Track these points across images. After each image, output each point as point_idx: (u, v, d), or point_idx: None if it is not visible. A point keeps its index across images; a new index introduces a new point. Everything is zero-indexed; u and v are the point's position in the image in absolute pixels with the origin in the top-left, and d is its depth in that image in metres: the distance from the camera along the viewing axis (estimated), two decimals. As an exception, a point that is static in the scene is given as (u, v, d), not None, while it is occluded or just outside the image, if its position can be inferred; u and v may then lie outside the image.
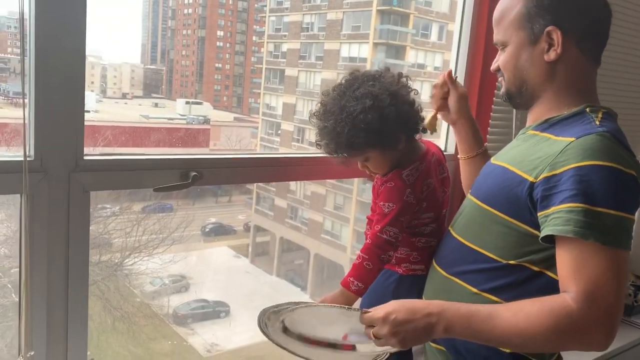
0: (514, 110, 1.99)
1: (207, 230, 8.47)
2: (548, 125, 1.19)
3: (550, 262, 1.10)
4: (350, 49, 10.97)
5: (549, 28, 1.15)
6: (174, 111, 10.71)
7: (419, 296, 1.38)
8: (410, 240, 1.44)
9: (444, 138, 1.97)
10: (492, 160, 1.30)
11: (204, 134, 9.07)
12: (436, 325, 1.07)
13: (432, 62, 11.48)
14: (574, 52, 1.17)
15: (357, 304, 1.39)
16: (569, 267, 1.03)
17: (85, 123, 1.21)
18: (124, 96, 11.66)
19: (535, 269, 1.15)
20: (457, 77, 1.53)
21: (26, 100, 1.12)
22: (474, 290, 1.21)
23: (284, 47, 11.86)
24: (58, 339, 1.25)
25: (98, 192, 1.26)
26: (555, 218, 1.04)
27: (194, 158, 1.40)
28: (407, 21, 11.36)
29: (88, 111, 1.24)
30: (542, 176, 1.08)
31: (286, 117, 10.91)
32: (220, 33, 16.24)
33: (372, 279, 1.34)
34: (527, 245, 1.14)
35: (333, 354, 1.24)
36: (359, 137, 1.31)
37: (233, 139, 9.78)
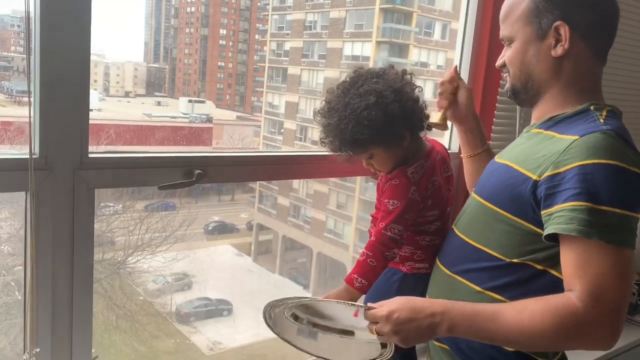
0: (518, 108, 1.99)
1: (210, 228, 8.47)
2: (552, 123, 1.19)
3: (554, 261, 1.10)
4: (353, 48, 10.95)
5: (557, 23, 1.15)
6: (177, 109, 10.73)
7: (423, 295, 1.38)
8: (414, 239, 1.44)
9: (447, 136, 1.97)
10: (496, 158, 1.30)
11: (206, 133, 9.08)
12: (439, 324, 1.08)
13: (435, 61, 11.45)
14: (581, 48, 1.16)
15: (360, 301, 1.39)
16: (573, 266, 1.03)
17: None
18: (126, 94, 11.68)
19: (539, 267, 1.15)
20: (459, 73, 1.53)
21: (31, 99, 1.12)
22: (478, 288, 1.21)
23: (287, 46, 11.86)
24: (63, 336, 1.26)
25: (101, 190, 1.27)
26: (559, 216, 1.03)
27: (198, 156, 1.40)
28: (410, 19, 11.34)
29: (91, 109, 1.24)
30: (545, 174, 1.08)
31: (289, 116, 10.90)
32: (223, 31, 16.23)
33: (375, 276, 1.34)
34: (530, 243, 1.14)
35: (338, 343, 1.25)
36: (363, 133, 1.31)
37: (235, 137, 9.79)
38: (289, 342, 1.25)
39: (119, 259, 5.41)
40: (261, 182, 8.67)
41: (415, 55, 11.22)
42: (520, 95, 1.26)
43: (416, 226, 1.42)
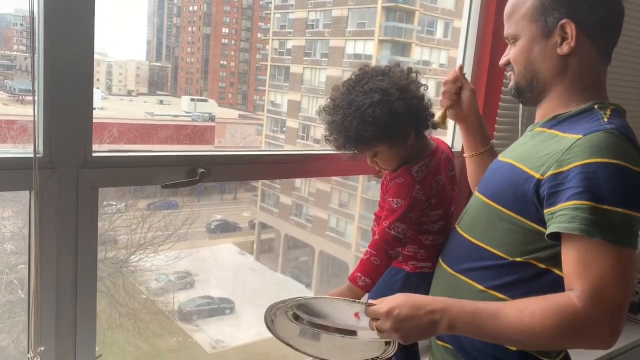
0: (520, 108, 1.99)
1: (212, 227, 8.49)
2: (556, 122, 1.19)
3: (556, 260, 1.10)
4: (355, 46, 10.96)
5: (563, 21, 1.15)
6: (179, 108, 10.74)
7: (426, 294, 1.38)
8: (417, 238, 1.44)
9: (450, 135, 1.97)
10: (500, 157, 1.30)
11: (208, 131, 9.09)
12: (440, 321, 1.08)
13: (437, 59, 11.45)
14: (586, 46, 1.16)
15: (363, 299, 1.39)
16: (575, 265, 1.03)
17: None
18: (129, 93, 11.69)
19: (542, 266, 1.14)
20: (465, 73, 1.52)
21: (35, 97, 1.12)
22: (480, 287, 1.21)
23: (289, 44, 11.87)
24: (67, 334, 1.26)
25: (103, 189, 1.27)
26: (561, 215, 1.03)
27: (201, 155, 1.40)
28: (413, 18, 11.34)
29: (94, 108, 1.25)
30: (548, 173, 1.07)
31: (291, 114, 10.92)
32: (225, 30, 16.25)
33: (379, 274, 1.34)
34: (533, 242, 1.14)
35: (340, 343, 1.25)
36: (367, 131, 1.30)
37: (238, 136, 9.81)
38: (291, 346, 1.25)
39: (122, 258, 5.43)
40: (264, 180, 8.69)
41: (418, 53, 11.22)
42: (525, 93, 1.26)
43: (419, 225, 1.42)
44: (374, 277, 1.33)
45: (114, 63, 11.53)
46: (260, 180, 8.74)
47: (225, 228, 8.92)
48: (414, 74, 1.39)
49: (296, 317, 1.25)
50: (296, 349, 1.24)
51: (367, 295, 1.38)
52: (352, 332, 1.25)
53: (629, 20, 1.25)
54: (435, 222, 1.44)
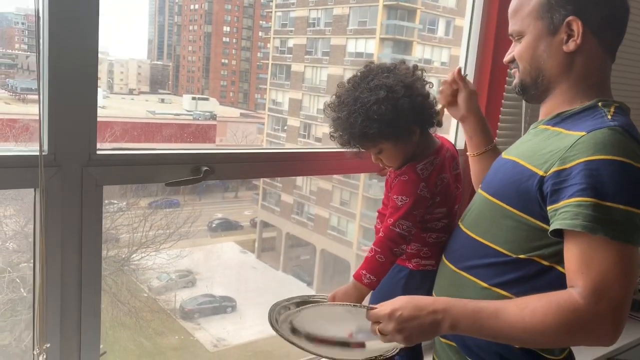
0: (524, 105, 1.99)
1: (213, 225, 8.50)
2: (559, 120, 1.19)
3: (560, 257, 1.10)
4: (356, 45, 10.95)
5: (570, 18, 1.15)
6: (181, 107, 10.74)
7: (429, 292, 1.38)
8: (421, 236, 1.44)
9: (453, 134, 1.97)
10: (503, 154, 1.30)
11: (210, 130, 9.09)
12: (442, 322, 1.08)
13: (438, 58, 11.44)
14: (592, 44, 1.16)
15: (367, 298, 1.39)
16: (577, 262, 1.03)
17: (95, 119, 1.22)
18: (130, 92, 11.68)
19: (545, 263, 1.14)
20: (467, 75, 1.53)
21: (40, 96, 1.13)
22: (484, 284, 1.21)
23: (290, 43, 11.86)
24: (72, 332, 1.27)
25: (105, 187, 1.27)
26: (564, 212, 1.03)
27: (206, 153, 1.40)
28: (414, 16, 11.32)
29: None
30: (552, 170, 1.07)
31: (292, 113, 10.92)
32: (226, 29, 16.24)
33: (384, 272, 1.35)
34: (537, 239, 1.14)
35: (341, 349, 1.25)
36: (372, 128, 1.30)
37: (239, 134, 9.82)
38: (295, 345, 1.25)
39: (124, 256, 5.44)
40: (265, 179, 8.69)
41: (419, 52, 11.21)
42: (530, 90, 1.26)
43: (423, 223, 1.42)
44: (379, 274, 1.33)
45: (115, 62, 11.53)
46: (261, 179, 8.75)
47: (227, 226, 8.93)
48: (419, 72, 1.39)
49: (294, 331, 1.25)
50: (300, 347, 1.24)
51: (368, 296, 1.38)
52: (348, 345, 1.25)
53: (633, 18, 1.25)
54: (439, 220, 1.44)
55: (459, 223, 1.34)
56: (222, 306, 7.18)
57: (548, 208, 1.08)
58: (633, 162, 1.03)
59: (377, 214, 1.51)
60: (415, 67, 1.40)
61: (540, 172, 1.10)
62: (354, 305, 1.22)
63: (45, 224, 1.16)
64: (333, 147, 1.45)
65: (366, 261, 1.34)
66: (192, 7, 17.14)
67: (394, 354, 1.22)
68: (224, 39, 16.12)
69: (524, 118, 2.00)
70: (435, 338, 1.36)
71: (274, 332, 1.25)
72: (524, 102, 1.95)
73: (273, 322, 1.25)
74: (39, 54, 1.11)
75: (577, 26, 1.14)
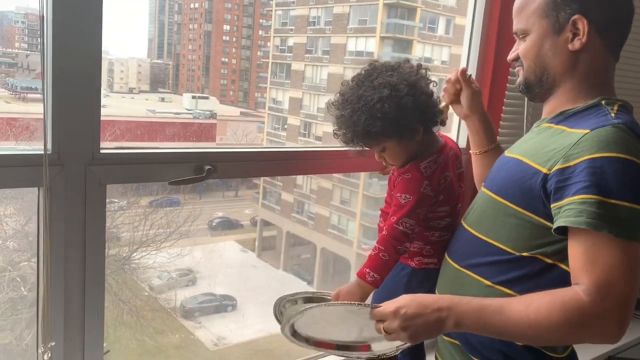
0: (526, 104, 1.99)
1: (214, 224, 8.49)
2: (563, 118, 1.19)
3: (563, 255, 1.10)
4: (357, 43, 10.92)
5: (575, 17, 1.15)
6: (181, 106, 10.73)
7: (432, 290, 1.38)
8: (424, 234, 1.44)
9: (455, 132, 1.97)
10: (506, 152, 1.30)
11: (210, 129, 9.08)
12: (446, 319, 1.08)
13: (439, 56, 11.42)
14: (597, 43, 1.17)
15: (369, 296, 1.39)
16: (581, 259, 1.03)
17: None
18: (130, 91, 11.66)
19: (549, 261, 1.15)
20: (471, 75, 1.53)
21: (44, 96, 1.13)
22: (487, 282, 1.21)
23: (290, 42, 11.83)
24: (75, 330, 1.27)
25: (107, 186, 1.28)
26: (568, 209, 1.04)
27: (208, 152, 1.41)
28: (414, 15, 11.31)
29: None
30: (555, 168, 1.08)
31: (292, 112, 10.90)
32: (226, 27, 16.21)
33: (388, 270, 1.35)
34: (540, 237, 1.14)
35: (342, 350, 1.25)
36: (376, 126, 1.31)
37: (239, 133, 9.80)
38: (297, 344, 1.24)
39: (124, 255, 5.43)
40: (265, 178, 8.68)
41: (419, 50, 11.19)
42: (534, 89, 1.26)
43: (426, 221, 1.43)
44: (383, 272, 1.34)
45: (115, 61, 11.51)
46: (262, 178, 8.74)
47: (227, 225, 8.92)
48: (423, 70, 1.40)
49: (294, 333, 1.24)
50: (302, 346, 1.24)
51: (370, 296, 1.38)
52: (350, 348, 1.25)
53: (637, 17, 1.25)
54: (442, 218, 1.44)
55: (462, 221, 1.34)
56: (222, 305, 7.17)
57: (552, 206, 1.08)
58: (637, 160, 1.03)
59: (379, 212, 1.51)
60: (420, 66, 1.40)
61: (544, 170, 1.10)
62: (357, 305, 1.22)
63: (49, 223, 1.17)
64: (335, 145, 1.45)
65: (370, 259, 1.35)
66: (192, 5, 17.12)
67: (396, 353, 1.22)
68: (224, 37, 16.09)
69: (526, 116, 2.00)
70: (438, 337, 1.37)
71: (274, 331, 1.25)
72: (526, 101, 1.95)
73: (277, 314, 1.26)
74: (42, 54, 1.11)
75: (582, 25, 1.14)
